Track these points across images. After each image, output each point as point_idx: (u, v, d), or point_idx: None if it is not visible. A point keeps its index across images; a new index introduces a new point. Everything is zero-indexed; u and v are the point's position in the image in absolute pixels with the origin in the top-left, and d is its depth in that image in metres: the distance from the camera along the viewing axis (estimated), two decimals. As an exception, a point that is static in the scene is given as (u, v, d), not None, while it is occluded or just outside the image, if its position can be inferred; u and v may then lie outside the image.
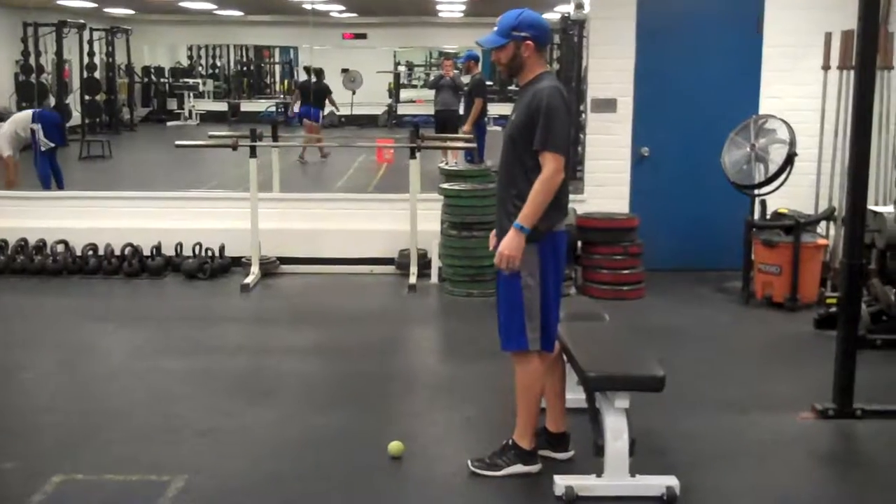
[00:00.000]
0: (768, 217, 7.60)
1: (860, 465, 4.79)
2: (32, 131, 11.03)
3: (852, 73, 5.42)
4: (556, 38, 16.57)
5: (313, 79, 16.87)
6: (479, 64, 12.49)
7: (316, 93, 16.73)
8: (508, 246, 4.07)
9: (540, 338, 4.21)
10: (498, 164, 4.44)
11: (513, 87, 23.42)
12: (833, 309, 6.13)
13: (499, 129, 19.35)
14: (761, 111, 8.06)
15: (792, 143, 7.40)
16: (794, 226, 7.31)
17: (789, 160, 7.40)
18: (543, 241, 4.15)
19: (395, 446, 4.48)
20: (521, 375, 4.27)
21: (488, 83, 23.28)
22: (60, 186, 11.14)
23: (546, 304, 4.22)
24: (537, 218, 4.08)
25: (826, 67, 7.75)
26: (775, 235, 7.40)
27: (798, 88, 8.18)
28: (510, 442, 4.33)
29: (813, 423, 5.05)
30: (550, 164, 4.06)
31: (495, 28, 4.24)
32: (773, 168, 7.48)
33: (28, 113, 11.58)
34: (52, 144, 11.11)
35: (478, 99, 12.55)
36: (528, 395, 4.28)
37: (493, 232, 4.32)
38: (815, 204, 7.86)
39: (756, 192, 7.64)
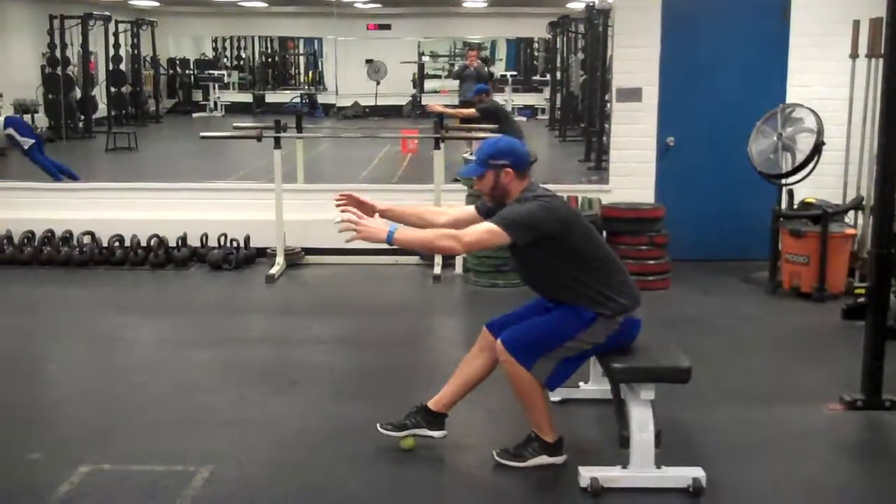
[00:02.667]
0: (795, 207, 7.56)
1: (889, 456, 4.75)
2: (9, 136, 11.37)
3: (881, 61, 5.36)
4: (582, 28, 16.54)
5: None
6: (490, 94, 12.35)
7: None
8: (371, 230, 4.06)
9: (547, 378, 4.20)
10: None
11: (537, 77, 23.47)
12: (861, 299, 6.04)
13: (524, 119, 19.40)
14: (788, 100, 8.00)
15: (819, 132, 7.34)
16: (822, 215, 7.25)
17: (817, 149, 7.34)
18: (622, 323, 4.13)
19: (406, 443, 4.50)
20: (514, 381, 4.21)
21: (512, 73, 23.36)
22: (73, 177, 11.13)
23: (574, 361, 4.22)
24: (408, 243, 4.26)
25: (854, 55, 7.68)
26: (803, 225, 7.35)
27: (826, 77, 8.12)
28: (532, 434, 4.32)
29: (841, 414, 5.01)
30: (480, 232, 4.07)
31: (474, 158, 4.35)
32: (800, 157, 7.42)
33: None
34: (32, 140, 11.40)
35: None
36: (530, 400, 4.25)
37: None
38: (843, 193, 7.80)
39: (783, 181, 7.59)
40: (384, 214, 4.38)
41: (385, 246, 4.20)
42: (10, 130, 11.38)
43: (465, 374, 4.47)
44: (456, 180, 8.36)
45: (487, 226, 4.08)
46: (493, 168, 4.20)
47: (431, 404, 4.49)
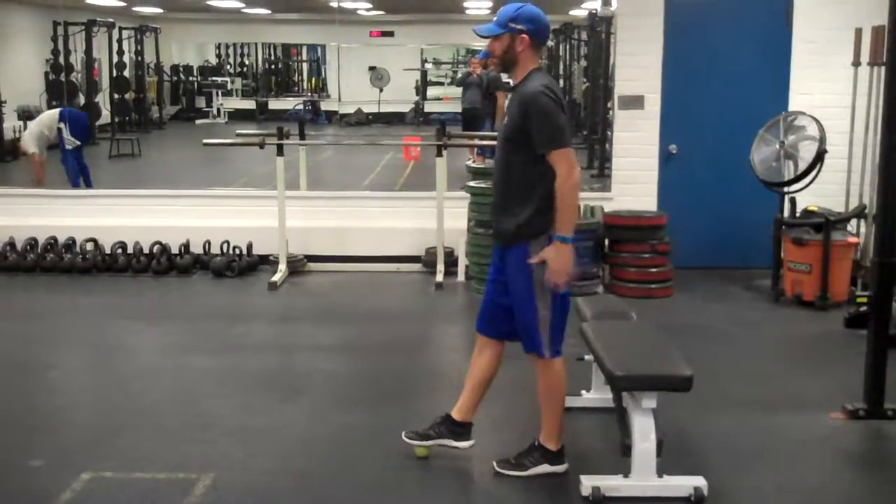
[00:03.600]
0: (798, 215, 7.55)
1: (891, 465, 4.74)
2: (59, 130, 11.12)
3: (883, 69, 5.36)
4: (584, 35, 16.54)
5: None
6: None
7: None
8: (559, 260, 4.01)
9: (549, 345, 4.20)
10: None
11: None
12: (864, 308, 6.07)
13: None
14: (791, 108, 8.00)
15: (822, 140, 7.34)
16: (824, 223, 7.24)
17: (819, 157, 7.34)
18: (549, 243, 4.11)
19: (421, 450, 4.50)
20: (544, 381, 4.25)
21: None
22: (88, 184, 11.22)
23: (555, 311, 4.19)
24: (574, 222, 4.05)
25: (856, 63, 7.68)
26: (805, 233, 7.34)
27: (828, 85, 8.12)
28: (536, 443, 4.32)
29: (843, 423, 5.00)
30: (563, 163, 4.01)
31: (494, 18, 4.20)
32: (802, 165, 7.43)
33: (55, 112, 11.69)
34: (78, 143, 11.19)
35: (498, 93, 12.55)
36: (553, 400, 4.26)
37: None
38: (846, 201, 7.80)
39: (785, 189, 7.59)
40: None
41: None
42: (62, 125, 11.17)
43: (475, 376, 4.47)
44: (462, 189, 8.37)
45: (556, 156, 3.98)
46: (512, 31, 4.10)
47: (454, 413, 4.50)
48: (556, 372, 4.23)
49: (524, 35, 4.09)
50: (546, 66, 23.69)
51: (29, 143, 11.20)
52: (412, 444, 4.48)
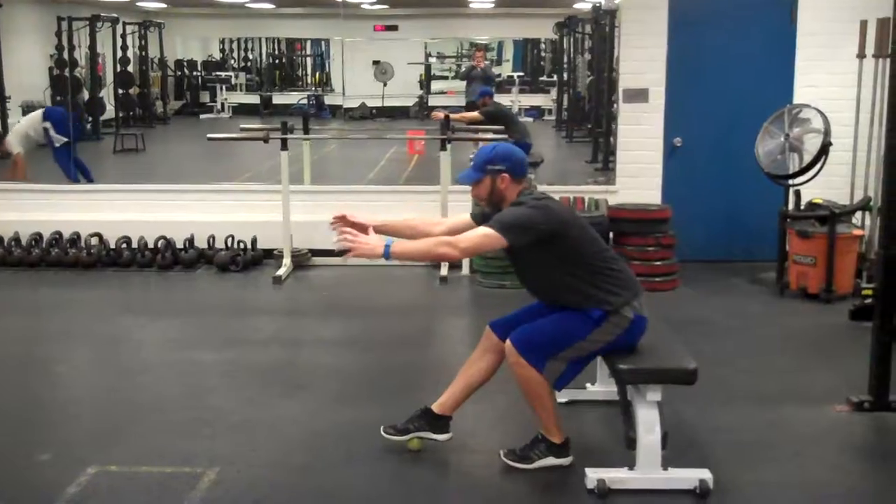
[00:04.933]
0: (803, 207, 7.54)
1: (896, 458, 4.74)
2: (45, 130, 11.13)
3: (888, 61, 5.35)
4: (588, 29, 16.52)
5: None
6: (493, 97, 12.28)
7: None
8: (368, 245, 4.08)
9: (555, 380, 4.20)
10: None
11: (543, 78, 23.46)
12: (869, 300, 6.07)
13: (530, 119, 19.40)
14: (795, 100, 8.00)
15: (827, 133, 7.33)
16: (829, 216, 7.23)
17: (824, 150, 7.33)
18: (630, 324, 4.14)
19: (413, 443, 4.51)
20: (524, 383, 4.21)
21: (519, 74, 23.34)
22: (89, 178, 11.18)
23: (582, 362, 4.24)
24: (406, 255, 4.27)
25: (861, 56, 7.67)
26: (810, 226, 7.33)
27: (833, 77, 8.11)
28: (540, 436, 4.32)
29: (848, 415, 5.00)
30: (476, 239, 4.08)
31: (471, 164, 4.35)
32: (807, 158, 7.41)
33: (38, 112, 11.69)
34: (66, 139, 11.15)
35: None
36: (539, 400, 4.25)
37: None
38: (851, 194, 7.79)
39: (790, 182, 7.58)
40: (378, 230, 4.34)
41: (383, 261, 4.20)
42: (48, 124, 11.15)
43: (469, 377, 4.47)
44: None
45: (483, 230, 4.09)
46: (490, 174, 4.22)
47: (435, 407, 4.49)
48: (533, 378, 4.19)
49: (504, 174, 4.22)
50: (550, 59, 23.71)
51: (14, 143, 11.21)
52: (390, 440, 4.49)
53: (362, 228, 4.29)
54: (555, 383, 4.22)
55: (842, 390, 5.17)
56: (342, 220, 4.38)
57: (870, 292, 6.13)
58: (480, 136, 9.99)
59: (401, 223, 4.51)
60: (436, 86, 24.17)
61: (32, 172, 11.02)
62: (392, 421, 4.57)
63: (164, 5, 21.32)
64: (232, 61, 26.00)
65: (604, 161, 12.29)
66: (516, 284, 7.45)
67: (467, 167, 4.40)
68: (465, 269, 8.14)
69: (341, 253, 4.17)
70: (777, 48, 8.24)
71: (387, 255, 4.08)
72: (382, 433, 4.52)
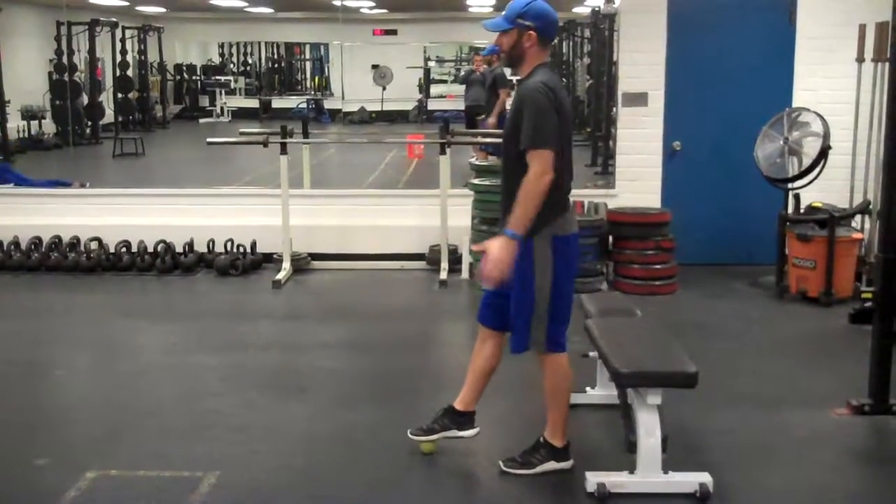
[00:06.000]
0: (802, 211, 7.54)
1: (897, 461, 4.74)
2: None
3: (887, 65, 5.35)
4: (587, 33, 16.53)
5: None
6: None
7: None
8: (499, 255, 3.96)
9: (545, 341, 4.18)
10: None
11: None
12: (868, 304, 6.05)
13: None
14: (794, 104, 8.00)
15: (826, 137, 7.33)
16: (829, 220, 7.23)
17: (823, 153, 7.33)
18: (556, 244, 4.10)
19: (427, 447, 4.51)
20: (549, 378, 4.24)
21: (518, 77, 23.35)
22: (62, 184, 10.71)
23: (555, 308, 4.16)
24: (529, 222, 3.98)
25: (860, 59, 7.67)
26: (809, 229, 7.33)
27: (832, 81, 8.11)
28: (542, 439, 4.31)
29: (848, 419, 5.00)
30: (536, 164, 3.97)
31: (503, 13, 4.19)
32: (806, 161, 7.42)
33: None
34: (11, 182, 10.09)
35: (501, 90, 12.53)
36: (559, 397, 4.26)
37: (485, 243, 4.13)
38: (850, 197, 7.79)
39: (790, 185, 7.58)
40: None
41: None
42: None
43: (477, 366, 4.46)
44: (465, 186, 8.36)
45: (533, 155, 3.95)
46: (520, 27, 4.09)
47: (457, 404, 4.50)
48: (561, 367, 4.23)
49: (532, 31, 4.09)
50: (550, 63, 23.75)
51: None
52: (418, 441, 4.48)
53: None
54: (549, 347, 4.18)
55: (842, 394, 5.17)
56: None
57: (869, 296, 6.11)
58: (480, 139, 10.02)
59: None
60: (435, 89, 24.21)
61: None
62: (391, 424, 4.59)
63: (163, 10, 21.38)
64: (231, 65, 26.04)
65: (603, 165, 12.31)
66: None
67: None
68: (465, 273, 8.14)
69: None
70: (776, 52, 8.24)
71: (515, 236, 3.96)
72: (410, 435, 4.50)
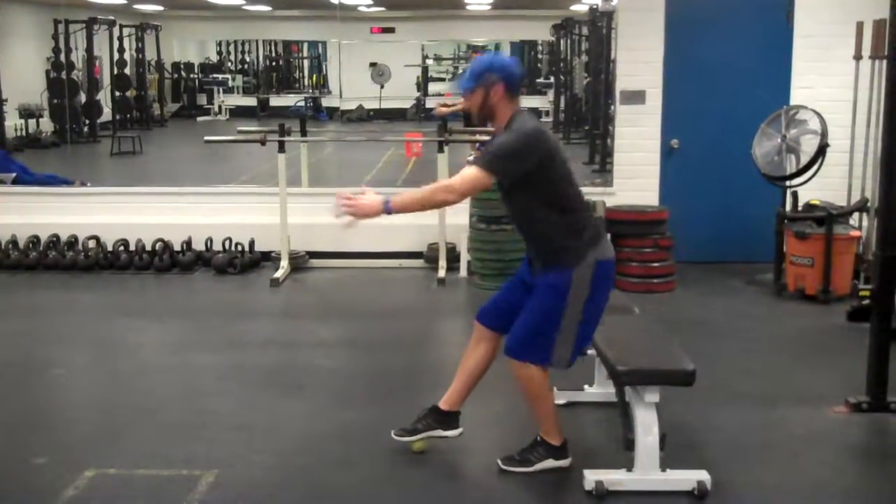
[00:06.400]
0: (800, 209, 7.55)
1: (894, 458, 4.73)
2: None
3: (885, 62, 5.35)
4: (585, 30, 16.53)
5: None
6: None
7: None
8: (365, 205, 4.10)
9: (568, 360, 4.18)
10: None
11: (540, 80, 23.45)
12: (866, 301, 6.07)
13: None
14: (792, 102, 8.00)
15: (824, 134, 7.34)
16: (827, 217, 7.24)
17: (821, 151, 7.34)
18: (598, 269, 4.11)
19: (418, 445, 4.51)
20: (525, 385, 4.21)
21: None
22: (64, 181, 10.83)
23: (583, 330, 4.17)
24: (407, 207, 4.13)
25: (858, 57, 7.67)
26: (807, 227, 7.34)
27: (829, 79, 8.12)
28: (538, 438, 4.32)
29: (846, 416, 5.01)
30: (466, 179, 3.99)
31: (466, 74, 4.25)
32: (804, 159, 7.42)
33: None
34: (14, 174, 10.28)
35: None
36: (540, 403, 4.25)
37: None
38: (848, 195, 7.79)
39: (787, 183, 7.59)
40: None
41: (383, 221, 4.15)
42: None
43: (468, 368, 4.46)
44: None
45: (472, 168, 4.01)
46: (484, 84, 4.12)
47: (442, 404, 4.49)
48: (535, 376, 4.18)
49: (497, 84, 4.11)
50: (547, 61, 23.72)
51: None
52: (402, 441, 4.49)
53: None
54: (571, 359, 4.18)
55: (839, 391, 5.17)
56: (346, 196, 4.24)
57: (867, 293, 6.13)
58: (478, 136, 9.99)
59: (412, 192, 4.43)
60: (433, 88, 24.19)
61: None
62: (390, 422, 4.58)
63: (160, 8, 21.34)
64: (229, 64, 26.01)
65: (601, 163, 12.30)
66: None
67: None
68: (463, 272, 8.15)
69: (345, 223, 4.15)
70: (774, 50, 8.24)
71: (388, 209, 4.05)
72: (393, 436, 4.50)
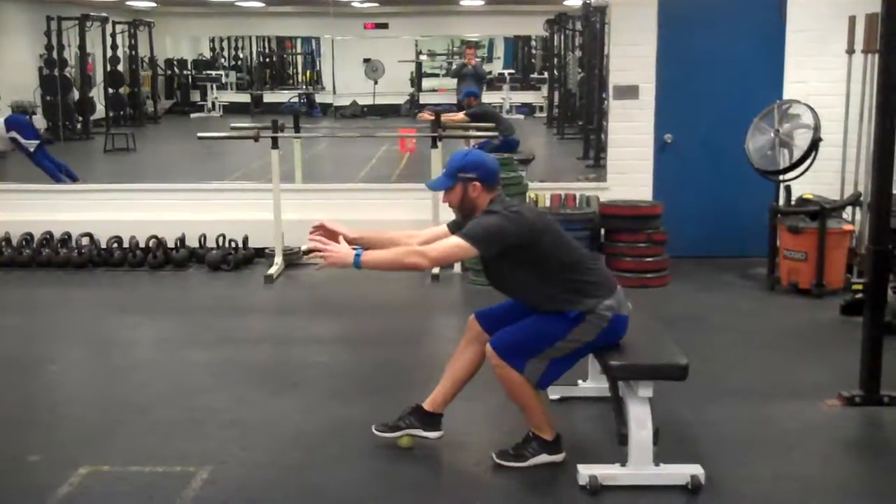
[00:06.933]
0: (793, 203, 7.55)
1: (888, 452, 4.74)
2: (12, 139, 11.06)
3: (877, 56, 5.36)
4: (579, 25, 16.54)
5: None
6: (478, 98, 12.19)
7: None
8: (336, 259, 4.09)
9: (538, 379, 4.19)
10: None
11: (534, 75, 23.46)
12: (859, 295, 6.06)
13: (520, 116, 19.44)
14: (785, 96, 8.01)
15: (816, 128, 7.34)
16: (820, 211, 7.25)
17: (814, 145, 7.35)
18: (611, 320, 4.13)
19: (403, 441, 4.51)
20: (506, 385, 4.21)
21: (510, 71, 23.35)
22: (72, 177, 11.12)
23: (564, 361, 4.21)
24: (375, 265, 4.21)
25: (850, 51, 7.68)
26: (800, 221, 7.35)
27: (822, 73, 8.13)
28: (531, 433, 4.32)
29: (840, 410, 5.02)
30: (447, 248, 4.07)
31: (444, 170, 4.31)
32: (797, 153, 7.43)
33: None
34: (37, 142, 11.14)
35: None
36: (524, 401, 4.26)
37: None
38: (841, 189, 7.81)
39: (781, 177, 7.59)
40: (356, 242, 4.32)
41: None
42: (14, 133, 11.14)
43: (456, 371, 4.47)
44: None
45: (454, 240, 4.08)
46: (462, 181, 4.19)
47: (426, 405, 4.50)
48: (515, 377, 4.18)
49: (475, 182, 4.18)
50: (541, 56, 23.72)
51: None
52: (382, 437, 4.50)
53: (334, 237, 4.26)
54: (538, 382, 4.21)
55: (833, 385, 5.18)
56: (321, 230, 4.34)
57: (860, 287, 6.13)
58: (472, 133, 9.99)
59: (380, 236, 4.47)
60: (427, 83, 24.21)
61: (19, 174, 10.99)
62: (384, 418, 4.58)
63: (153, 4, 21.32)
64: (222, 60, 25.98)
65: (595, 158, 12.31)
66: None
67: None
68: (457, 268, 8.14)
69: (308, 254, 4.19)
70: (766, 44, 8.26)
71: (357, 264, 4.09)
72: (374, 431, 4.52)
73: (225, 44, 26.13)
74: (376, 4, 22.00)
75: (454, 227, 4.31)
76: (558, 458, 4.31)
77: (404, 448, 4.50)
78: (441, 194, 4.35)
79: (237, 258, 8.41)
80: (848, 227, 7.47)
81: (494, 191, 4.24)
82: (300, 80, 26.39)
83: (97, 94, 19.12)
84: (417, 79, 24.12)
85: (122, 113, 19.70)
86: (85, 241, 8.62)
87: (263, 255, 8.48)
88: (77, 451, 4.53)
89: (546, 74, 21.27)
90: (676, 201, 8.01)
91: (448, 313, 7.29)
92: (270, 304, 7.57)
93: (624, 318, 4.21)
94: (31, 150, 11.04)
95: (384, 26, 22.89)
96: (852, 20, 7.58)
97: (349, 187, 9.79)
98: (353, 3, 21.73)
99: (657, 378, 4.09)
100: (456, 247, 4.07)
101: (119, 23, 20.06)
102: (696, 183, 8.32)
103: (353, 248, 4.13)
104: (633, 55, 8.33)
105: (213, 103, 23.24)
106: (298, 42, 26.69)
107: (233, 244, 8.54)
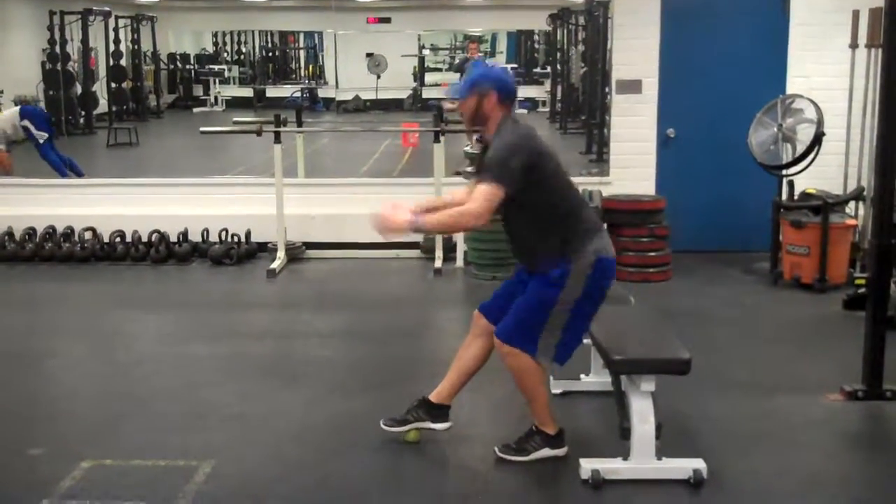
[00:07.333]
0: (796, 197, 7.55)
1: (890, 446, 4.75)
2: (24, 128, 11.18)
3: (880, 51, 5.35)
4: (582, 20, 16.52)
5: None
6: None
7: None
8: (392, 218, 4.06)
9: (554, 354, 4.19)
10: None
11: (537, 69, 23.42)
12: (862, 290, 6.07)
13: (524, 111, 19.40)
14: (788, 91, 8.00)
15: (819, 123, 7.33)
16: (823, 206, 7.24)
17: (817, 140, 7.34)
18: (598, 264, 4.12)
19: (410, 435, 4.52)
20: (517, 374, 4.21)
21: (513, 66, 23.32)
22: (77, 172, 11.16)
23: (572, 327, 4.18)
24: (434, 228, 4.27)
25: (854, 46, 7.67)
26: (803, 216, 7.34)
27: (825, 67, 8.11)
28: (534, 427, 4.32)
29: (842, 404, 5.01)
30: (482, 199, 4.02)
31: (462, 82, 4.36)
32: (800, 148, 7.42)
33: (15, 110, 11.66)
34: (47, 135, 11.22)
35: None
36: (533, 391, 4.25)
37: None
38: (844, 184, 7.79)
39: (783, 172, 7.58)
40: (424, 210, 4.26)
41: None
42: (27, 122, 11.20)
43: (463, 363, 4.47)
44: (457, 173, 8.34)
45: (482, 188, 4.04)
46: (478, 92, 4.19)
47: (433, 397, 4.50)
48: (530, 365, 4.19)
49: (491, 93, 4.18)
50: (544, 50, 23.70)
51: None
52: (390, 432, 4.50)
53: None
54: (556, 357, 4.20)
55: (835, 379, 5.18)
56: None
57: (863, 282, 6.14)
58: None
59: (443, 202, 4.46)
60: (430, 78, 24.18)
61: (23, 168, 11.01)
62: (386, 412, 4.58)
63: (156, -1, 21.31)
64: (225, 54, 26.00)
65: (598, 152, 12.31)
66: (509, 276, 7.47)
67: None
68: (459, 261, 8.15)
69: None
70: (770, 38, 8.24)
71: (417, 227, 4.07)
72: (382, 426, 4.51)
73: (228, 38, 26.15)
74: (379, -1, 22.01)
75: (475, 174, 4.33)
76: (561, 452, 4.32)
77: (411, 442, 4.49)
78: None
79: (240, 252, 8.41)
80: (851, 221, 7.46)
81: (508, 107, 4.24)
82: (303, 74, 26.40)
83: (100, 88, 19.14)
84: (420, 73, 24.10)
85: (124, 107, 19.72)
86: (88, 235, 8.62)
87: (266, 249, 8.48)
88: (80, 444, 4.53)
89: (549, 69, 21.26)
90: (679, 196, 8.00)
91: (451, 307, 7.29)
92: (273, 299, 7.58)
93: (610, 260, 4.20)
94: (41, 141, 11.10)
95: (387, 21, 22.90)
96: (856, 14, 7.57)
97: (352, 182, 9.80)
98: (355, -2, 21.73)
99: (660, 372, 4.09)
100: (487, 193, 4.01)
101: (122, 17, 20.08)
102: (698, 177, 8.31)
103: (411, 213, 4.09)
104: (635, 50, 8.31)
105: (216, 98, 23.24)
106: (301, 36, 26.72)
107: (235, 238, 8.54)
